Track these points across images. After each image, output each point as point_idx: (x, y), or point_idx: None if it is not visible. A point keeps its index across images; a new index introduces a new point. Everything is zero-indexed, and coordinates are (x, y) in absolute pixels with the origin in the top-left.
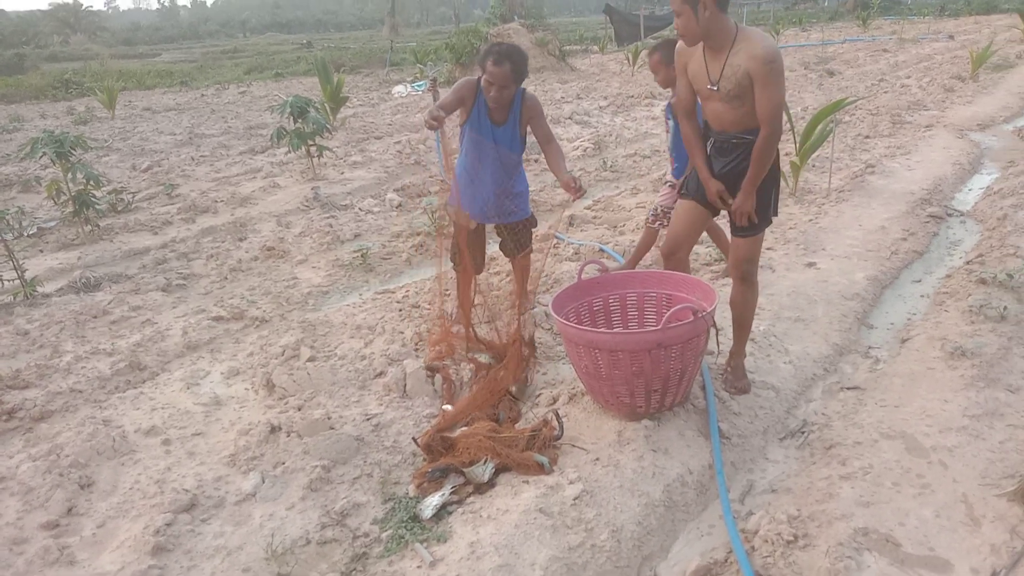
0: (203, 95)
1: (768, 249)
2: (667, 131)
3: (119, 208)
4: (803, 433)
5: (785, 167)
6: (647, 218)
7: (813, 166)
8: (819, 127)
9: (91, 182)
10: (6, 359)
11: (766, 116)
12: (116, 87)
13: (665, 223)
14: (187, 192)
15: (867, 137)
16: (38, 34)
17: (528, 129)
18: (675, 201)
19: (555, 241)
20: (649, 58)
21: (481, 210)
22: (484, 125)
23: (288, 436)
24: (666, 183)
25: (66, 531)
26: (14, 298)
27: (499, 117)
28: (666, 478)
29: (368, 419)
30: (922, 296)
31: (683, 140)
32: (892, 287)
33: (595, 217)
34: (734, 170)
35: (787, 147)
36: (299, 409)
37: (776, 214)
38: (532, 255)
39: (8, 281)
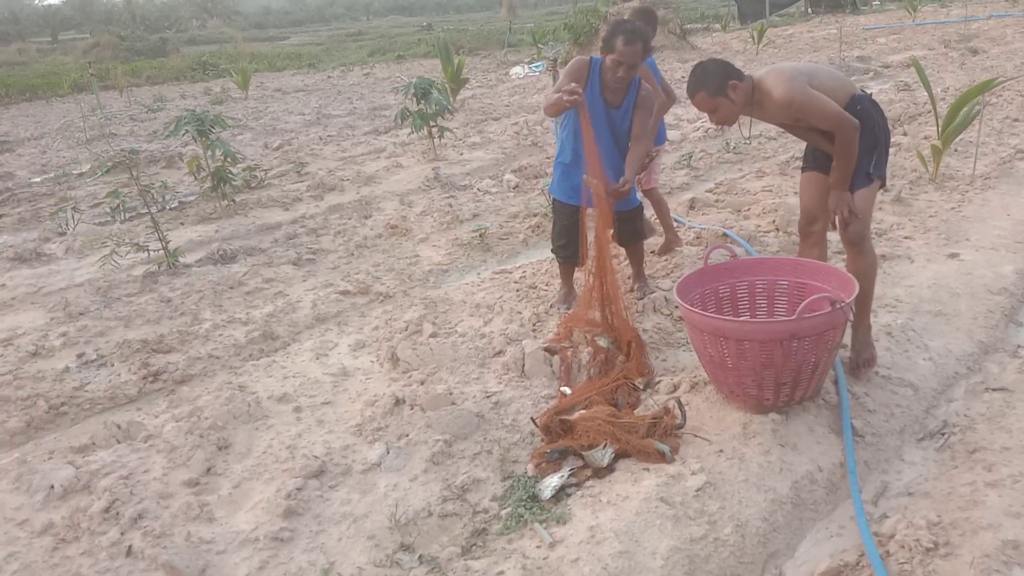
0: (329, 76)
1: (906, 239)
2: None
3: (253, 184)
4: (943, 435)
5: (926, 151)
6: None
7: (956, 151)
8: (964, 109)
9: (228, 159)
10: (151, 324)
11: (831, 126)
12: (249, 69)
13: None
14: (315, 170)
15: (1016, 120)
16: (179, 19)
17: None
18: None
19: (676, 225)
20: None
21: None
22: (598, 106)
23: (412, 409)
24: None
25: (205, 489)
26: (159, 267)
27: (615, 99)
28: (794, 474)
29: (488, 396)
30: None
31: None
32: None
33: (717, 200)
34: None
35: (927, 130)
36: (422, 383)
37: (881, 175)
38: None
39: (153, 251)
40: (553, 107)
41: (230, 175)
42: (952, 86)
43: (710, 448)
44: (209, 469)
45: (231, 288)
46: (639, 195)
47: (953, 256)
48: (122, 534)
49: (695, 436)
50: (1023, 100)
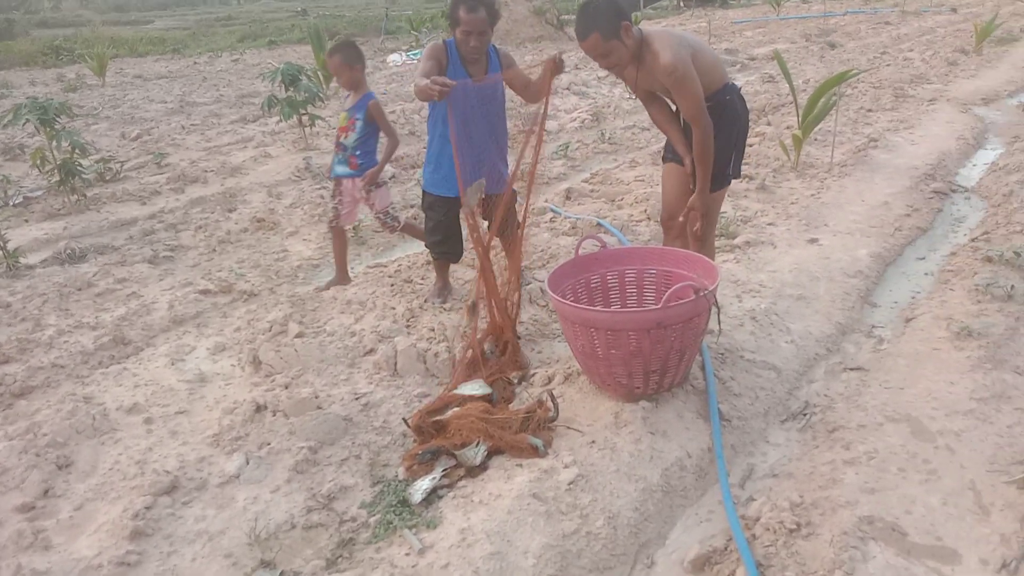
0: (195, 63)
1: (769, 225)
2: (352, 130)
3: (107, 177)
4: (805, 415)
5: (787, 140)
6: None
7: (815, 140)
8: (821, 100)
9: (77, 150)
10: None
11: (690, 117)
12: (107, 54)
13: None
14: (177, 161)
15: (870, 111)
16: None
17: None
18: (390, 203)
19: (551, 215)
20: (329, 59)
21: (475, 178)
22: (465, 83)
23: (274, 415)
24: (371, 187)
25: (42, 513)
26: None
27: (478, 71)
28: (664, 462)
29: (357, 398)
30: (926, 274)
31: (655, 123)
32: (895, 264)
33: (593, 191)
34: None
35: (789, 120)
36: (286, 387)
37: (738, 175)
38: (528, 229)
39: None
40: (423, 93)
41: (79, 168)
42: (812, 78)
43: (583, 439)
44: (47, 491)
45: (79, 290)
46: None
47: (813, 241)
48: None
49: (568, 428)
50: (875, 92)
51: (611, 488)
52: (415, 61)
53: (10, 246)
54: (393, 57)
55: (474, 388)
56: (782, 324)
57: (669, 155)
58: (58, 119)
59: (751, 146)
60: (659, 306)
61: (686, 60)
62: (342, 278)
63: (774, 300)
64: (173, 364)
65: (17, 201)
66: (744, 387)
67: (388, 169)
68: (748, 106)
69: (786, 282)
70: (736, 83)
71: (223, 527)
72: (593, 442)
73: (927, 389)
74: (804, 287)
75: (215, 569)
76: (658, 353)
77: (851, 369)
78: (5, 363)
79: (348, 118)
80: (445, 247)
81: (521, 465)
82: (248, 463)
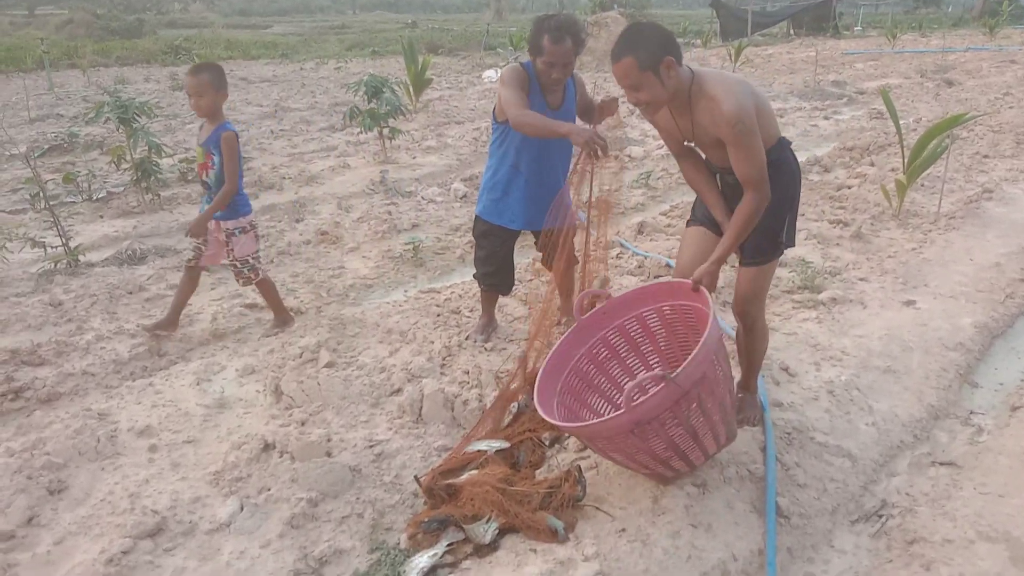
0: (301, 68)
1: (861, 280)
2: (211, 166)
3: (189, 178)
4: (880, 517)
5: (890, 185)
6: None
7: (922, 186)
8: (932, 143)
9: (153, 150)
10: (31, 331)
11: (748, 180)
12: (216, 55)
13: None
14: (259, 166)
15: (986, 157)
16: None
17: None
18: (252, 253)
19: (619, 249)
20: (193, 77)
21: (533, 214)
22: (544, 111)
23: (281, 456)
24: (234, 231)
25: (21, 544)
26: (55, 266)
27: (555, 100)
28: (704, 564)
29: (371, 446)
30: None
31: (688, 182)
32: (1004, 338)
33: (669, 226)
34: None
35: (895, 161)
36: (302, 424)
37: (792, 244)
38: (591, 264)
39: (52, 248)
40: (538, 132)
41: (155, 168)
42: (925, 117)
43: (612, 526)
44: (31, 519)
45: (129, 293)
46: None
47: (909, 304)
48: None
49: (597, 509)
50: (994, 136)
51: None
52: None
53: (80, 242)
54: (488, 73)
55: (491, 445)
56: (864, 402)
57: (698, 218)
58: (137, 118)
59: (849, 188)
60: (623, 411)
61: (751, 112)
62: (171, 322)
63: (857, 372)
64: (199, 383)
65: (100, 195)
66: (811, 476)
67: (461, 187)
68: (851, 143)
69: (873, 351)
70: (788, 138)
71: None
72: (623, 530)
73: None
74: (894, 358)
75: None
76: (659, 444)
77: (941, 464)
78: (40, 365)
79: (205, 153)
80: (496, 279)
81: (535, 551)
82: (243, 509)
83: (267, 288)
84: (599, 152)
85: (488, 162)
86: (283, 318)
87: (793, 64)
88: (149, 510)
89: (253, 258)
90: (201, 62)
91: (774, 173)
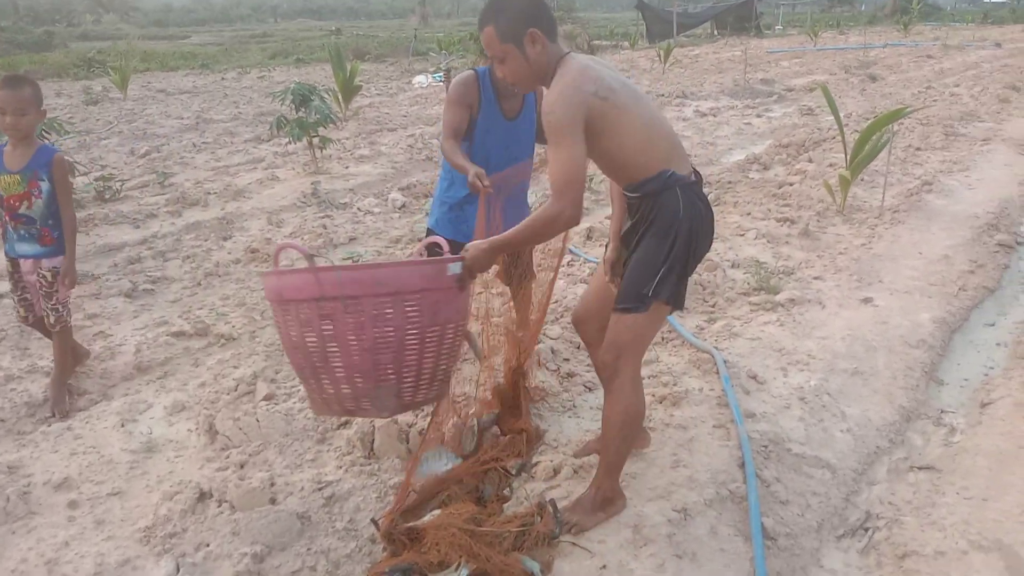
0: (223, 79)
1: (816, 279)
2: (36, 195)
3: (106, 196)
4: (866, 530)
5: (833, 180)
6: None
7: (862, 180)
8: (873, 137)
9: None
10: None
11: (551, 185)
12: (129, 68)
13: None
14: (181, 181)
15: (919, 149)
16: (72, 12)
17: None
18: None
19: (570, 257)
20: (11, 92)
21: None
22: (496, 120)
23: (219, 506)
24: (58, 269)
25: None
26: None
27: (512, 107)
28: None
29: (320, 488)
30: (998, 344)
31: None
32: (962, 331)
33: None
34: (629, 231)
35: (832, 156)
36: (241, 467)
37: (674, 304)
38: (541, 275)
39: None
40: (460, 171)
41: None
42: (855, 112)
43: (592, 563)
44: None
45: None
46: None
47: (867, 301)
48: None
49: (574, 545)
50: (924, 129)
51: None
52: (440, 83)
53: None
54: (419, 79)
55: (440, 461)
56: (836, 407)
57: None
58: (47, 136)
59: (791, 185)
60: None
61: (577, 106)
62: (59, 399)
63: (825, 376)
64: (123, 425)
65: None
66: (792, 492)
67: (399, 197)
68: (786, 140)
69: (839, 352)
70: (690, 177)
71: None
72: (604, 567)
73: (1020, 503)
74: (859, 359)
75: None
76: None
77: (920, 468)
78: None
79: (25, 181)
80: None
81: None
82: (179, 571)
83: (68, 337)
84: (483, 188)
85: (440, 173)
86: (65, 380)
87: (720, 63)
88: None
89: (68, 301)
90: (14, 74)
91: (648, 211)
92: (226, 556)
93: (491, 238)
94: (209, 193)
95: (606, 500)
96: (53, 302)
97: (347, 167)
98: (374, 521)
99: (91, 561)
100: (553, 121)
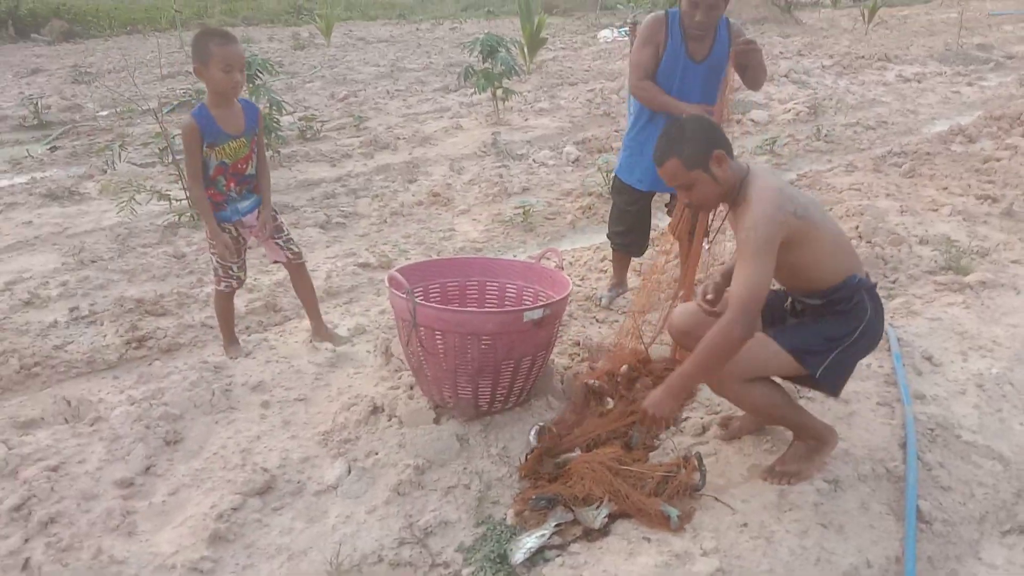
0: (417, 29)
1: (1014, 262)
2: (252, 154)
3: (307, 136)
4: None
5: None
6: None
7: None
8: None
9: (275, 107)
10: (155, 281)
11: (733, 298)
12: (333, 16)
13: None
14: (374, 125)
15: None
16: None
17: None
18: None
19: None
20: (233, 48)
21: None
22: (680, 62)
23: (389, 420)
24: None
25: (138, 492)
26: (179, 219)
27: (700, 50)
28: (833, 569)
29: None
30: None
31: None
32: None
33: None
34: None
35: None
36: (410, 388)
37: (829, 389)
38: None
39: (176, 201)
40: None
41: (276, 125)
42: None
43: (732, 519)
44: (149, 468)
45: (248, 248)
46: None
47: None
48: (25, 541)
49: (716, 500)
50: None
51: None
52: (624, 38)
53: None
54: (604, 33)
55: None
56: (1019, 399)
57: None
58: (260, 75)
59: (998, 161)
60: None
61: (780, 225)
62: (320, 327)
63: (1011, 364)
64: (311, 341)
65: None
66: (956, 479)
67: (573, 151)
68: (998, 112)
69: None
70: (870, 279)
71: (307, 545)
72: (745, 525)
73: None
74: None
75: None
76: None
77: None
78: (162, 316)
79: (249, 142)
80: (625, 239)
81: (649, 540)
82: (350, 472)
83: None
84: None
85: (629, 120)
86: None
87: (932, 26)
88: (260, 468)
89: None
90: (221, 29)
91: (839, 306)
92: (392, 464)
93: (666, 381)
94: (399, 138)
95: (814, 445)
96: (286, 234)
97: (526, 119)
98: (525, 456)
99: (277, 455)
100: (755, 237)
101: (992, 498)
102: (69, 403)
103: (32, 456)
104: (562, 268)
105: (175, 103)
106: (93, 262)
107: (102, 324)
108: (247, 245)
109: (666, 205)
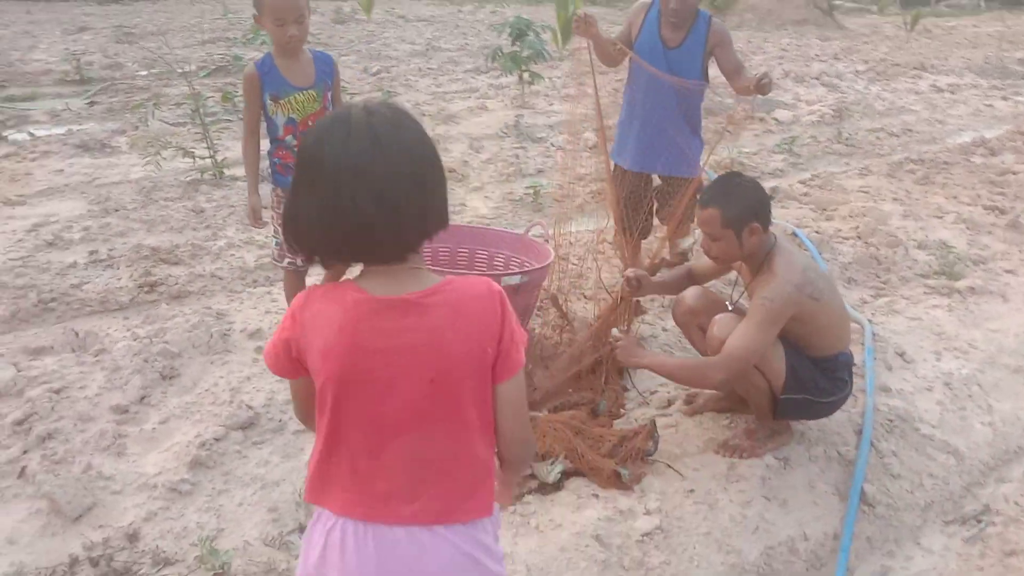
0: (459, 10)
1: (1008, 272)
2: (326, 107)
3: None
4: (979, 522)
5: None
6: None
7: None
8: None
9: None
10: (173, 232)
11: (728, 349)
12: None
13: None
14: (402, 101)
15: None
16: None
17: (711, 61)
18: None
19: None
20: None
21: (643, 154)
22: (654, 48)
23: None
24: None
25: (131, 419)
26: (202, 175)
27: (674, 38)
28: (771, 538)
29: None
30: None
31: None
32: None
33: (804, 194)
34: None
35: None
36: None
37: (777, 415)
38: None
39: (201, 159)
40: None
41: None
42: None
43: (680, 485)
44: (143, 398)
45: (265, 208)
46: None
47: None
48: (24, 452)
49: (668, 466)
50: None
51: (693, 554)
52: None
53: (226, 156)
54: None
55: None
56: (984, 399)
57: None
58: None
59: (1015, 174)
60: None
61: (793, 304)
62: None
63: (982, 367)
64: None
65: None
66: (907, 468)
67: (591, 137)
68: (1005, 143)
69: (1005, 348)
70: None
71: (281, 477)
72: (692, 491)
73: None
74: None
75: (255, 520)
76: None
77: None
78: (175, 264)
79: (320, 95)
80: (626, 221)
81: (597, 496)
82: None
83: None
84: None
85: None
86: None
87: (976, 38)
88: (245, 405)
89: None
90: None
91: (830, 377)
92: None
93: (649, 354)
94: (424, 115)
95: (773, 433)
96: None
97: (551, 104)
98: None
99: (264, 395)
100: (768, 307)
101: (941, 489)
102: (77, 335)
103: (38, 379)
104: (548, 241)
105: (212, 67)
106: (116, 211)
107: (118, 268)
108: None
109: (657, 214)
